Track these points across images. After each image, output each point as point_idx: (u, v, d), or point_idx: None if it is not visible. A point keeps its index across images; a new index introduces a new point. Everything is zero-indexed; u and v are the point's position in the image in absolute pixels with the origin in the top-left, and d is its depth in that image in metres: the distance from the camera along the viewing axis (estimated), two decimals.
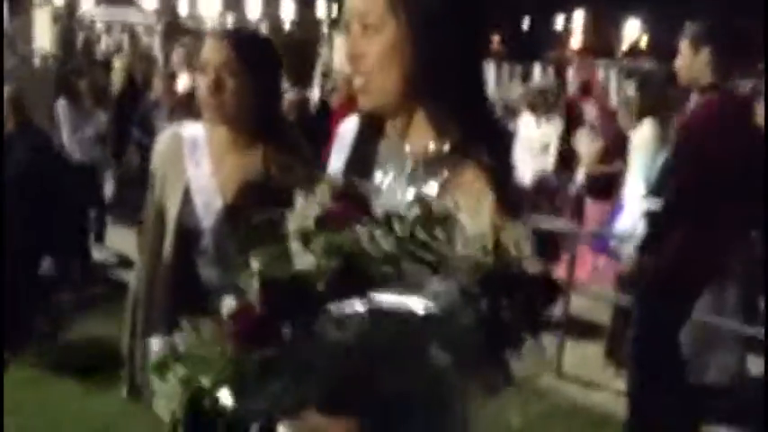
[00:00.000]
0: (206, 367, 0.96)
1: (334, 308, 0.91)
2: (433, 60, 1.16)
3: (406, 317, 0.90)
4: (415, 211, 0.98)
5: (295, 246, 1.00)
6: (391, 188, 1.20)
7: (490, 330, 0.93)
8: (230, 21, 27.30)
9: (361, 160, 1.29)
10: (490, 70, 11.50)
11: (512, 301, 0.94)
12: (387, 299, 0.91)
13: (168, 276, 1.91)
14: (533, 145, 7.06)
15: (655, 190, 4.24)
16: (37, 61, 8.52)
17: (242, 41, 1.88)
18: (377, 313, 0.90)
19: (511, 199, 1.11)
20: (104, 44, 14.47)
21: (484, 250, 0.95)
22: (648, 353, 3.53)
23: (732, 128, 3.27)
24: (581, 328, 4.96)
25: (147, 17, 18.33)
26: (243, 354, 0.95)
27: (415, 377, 0.96)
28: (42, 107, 6.45)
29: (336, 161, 1.37)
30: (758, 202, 3.35)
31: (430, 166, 1.17)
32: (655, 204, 4.26)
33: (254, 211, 1.81)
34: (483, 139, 1.18)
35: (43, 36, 9.54)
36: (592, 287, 5.06)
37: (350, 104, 4.70)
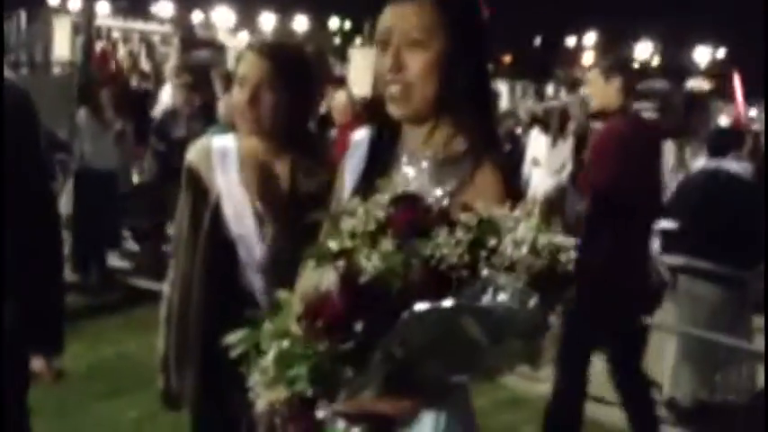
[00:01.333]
0: (293, 359, 1.08)
1: (419, 306, 1.02)
2: (463, 76, 1.34)
3: (487, 309, 1.02)
4: (471, 219, 1.10)
5: (360, 246, 1.10)
6: (415, 188, 1.30)
7: (542, 317, 1.07)
8: (244, 33, 27.55)
9: (380, 167, 1.41)
10: (503, 88, 11.62)
11: (555, 295, 1.08)
12: (466, 296, 1.03)
13: (205, 282, 1.96)
14: (551, 165, 7.15)
15: (667, 211, 4.34)
16: (57, 70, 8.64)
17: (281, 58, 1.93)
18: (462, 308, 1.02)
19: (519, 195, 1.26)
20: (122, 53, 14.63)
21: (535, 252, 1.07)
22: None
23: (641, 143, 3.71)
24: None
25: (163, 27, 18.49)
26: (325, 346, 1.06)
27: (467, 359, 1.08)
28: (63, 116, 6.55)
29: (353, 169, 1.48)
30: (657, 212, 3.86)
31: (451, 165, 1.32)
32: (668, 224, 4.35)
33: (284, 218, 1.89)
34: (494, 142, 1.39)
35: (62, 45, 9.66)
36: None
37: (357, 121, 4.74)
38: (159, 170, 6.48)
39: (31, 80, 7.42)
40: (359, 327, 1.05)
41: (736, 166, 4.48)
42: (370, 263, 1.06)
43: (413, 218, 1.09)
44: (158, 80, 9.97)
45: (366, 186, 1.33)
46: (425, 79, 1.33)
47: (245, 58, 1.95)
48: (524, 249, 1.06)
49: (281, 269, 1.79)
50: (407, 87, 1.33)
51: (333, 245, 1.13)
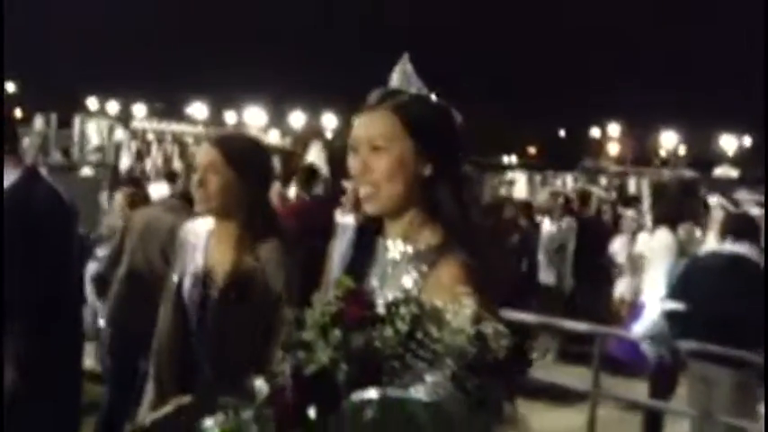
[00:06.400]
0: None
1: (354, 395, 1.15)
2: (428, 174, 1.50)
3: (411, 403, 1.13)
4: (413, 309, 1.22)
5: (315, 338, 1.23)
6: (386, 281, 1.47)
7: (479, 406, 1.16)
8: (275, 131, 28.52)
9: (362, 258, 1.57)
10: (521, 177, 11.81)
11: (493, 380, 1.18)
12: (394, 390, 1.15)
13: (167, 347, 2.16)
14: (551, 245, 7.21)
15: (675, 294, 4.36)
16: (88, 170, 9.02)
17: (227, 145, 2.16)
18: (387, 400, 1.13)
19: (487, 293, 1.36)
20: (155, 154, 15.20)
21: (468, 340, 1.18)
22: None
23: None
24: None
25: (196, 128, 19.17)
26: None
27: None
28: (89, 215, 6.79)
29: (341, 253, 1.63)
30: None
31: (416, 261, 1.47)
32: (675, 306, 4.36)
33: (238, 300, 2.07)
34: (463, 241, 1.48)
35: (98, 147, 10.10)
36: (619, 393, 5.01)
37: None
38: None
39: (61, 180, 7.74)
40: (310, 414, 1.16)
41: (746, 249, 4.43)
42: (323, 354, 1.19)
43: (360, 314, 1.23)
44: (189, 180, 10.29)
45: (354, 271, 1.48)
46: (389, 179, 1.49)
47: (201, 148, 2.26)
48: (461, 338, 1.17)
49: (220, 340, 2.06)
50: (375, 187, 1.50)
51: (297, 336, 1.25)
